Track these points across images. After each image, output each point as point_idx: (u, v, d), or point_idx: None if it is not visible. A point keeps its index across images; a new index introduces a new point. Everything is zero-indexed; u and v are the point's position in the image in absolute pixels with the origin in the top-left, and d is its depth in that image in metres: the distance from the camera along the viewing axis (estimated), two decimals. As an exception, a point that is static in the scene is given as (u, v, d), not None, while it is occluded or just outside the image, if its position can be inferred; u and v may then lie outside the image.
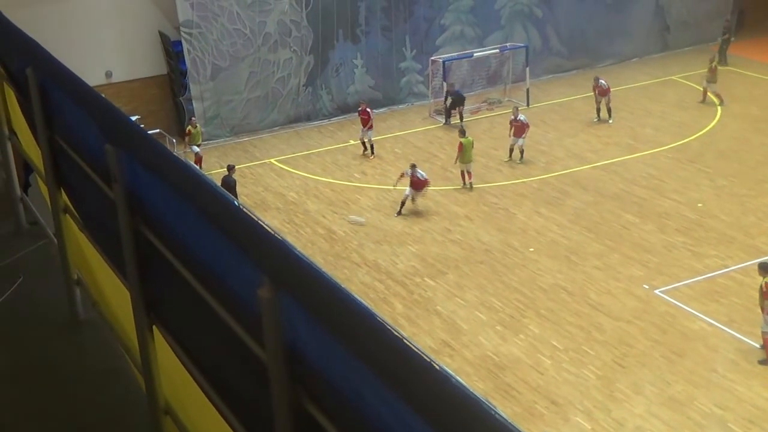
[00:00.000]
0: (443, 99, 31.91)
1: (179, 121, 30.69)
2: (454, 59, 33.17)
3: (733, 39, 37.30)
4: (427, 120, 32.37)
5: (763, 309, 17.88)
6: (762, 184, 25.77)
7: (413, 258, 22.85)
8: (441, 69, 32.57)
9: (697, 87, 33.62)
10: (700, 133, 29.93)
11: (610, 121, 30.78)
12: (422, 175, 25.01)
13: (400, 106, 33.59)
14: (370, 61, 33.06)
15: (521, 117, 28.29)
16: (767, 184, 25.73)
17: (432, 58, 33.24)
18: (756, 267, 18.86)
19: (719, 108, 31.68)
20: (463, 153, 26.58)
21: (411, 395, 2.08)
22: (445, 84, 31.90)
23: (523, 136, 28.09)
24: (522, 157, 28.21)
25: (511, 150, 28.34)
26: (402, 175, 25.41)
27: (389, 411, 2.17)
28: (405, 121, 32.29)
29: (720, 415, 16.45)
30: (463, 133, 27.02)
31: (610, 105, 30.84)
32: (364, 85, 33.09)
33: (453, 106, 31.45)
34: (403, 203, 25.06)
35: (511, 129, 28.27)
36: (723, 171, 26.88)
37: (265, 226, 2.60)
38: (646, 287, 20.81)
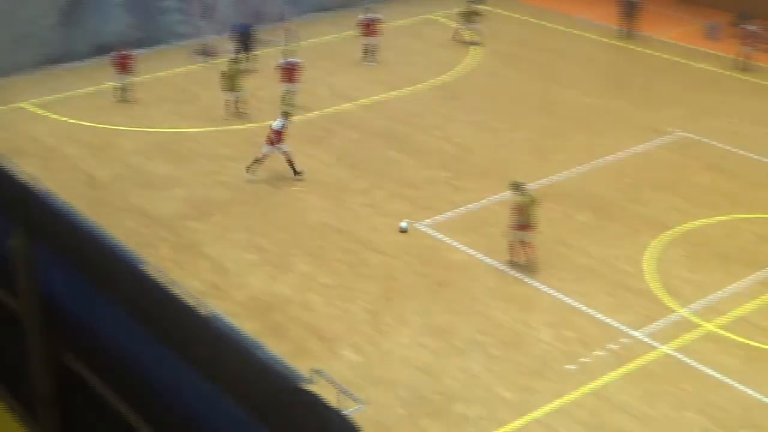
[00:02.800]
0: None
1: None
2: (216, -3, 32.56)
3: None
4: (189, 60, 31.67)
5: (511, 223, 19.28)
6: (516, 119, 26.97)
7: (179, 201, 22.50)
8: (202, 7, 31.89)
9: (456, 26, 34.59)
10: (458, 70, 30.88)
11: (373, 63, 31.10)
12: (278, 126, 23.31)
13: (159, 46, 32.61)
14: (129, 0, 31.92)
15: (293, 59, 27.43)
16: (521, 119, 26.95)
17: (193, -5, 32.50)
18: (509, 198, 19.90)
19: (476, 47, 32.73)
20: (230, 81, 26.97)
21: (175, 340, 2.08)
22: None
23: (296, 80, 27.36)
24: (294, 103, 27.23)
25: (284, 97, 27.36)
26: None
27: (153, 357, 2.17)
28: (165, 61, 31.45)
29: (481, 340, 17.30)
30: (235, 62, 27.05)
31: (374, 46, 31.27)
32: (122, 24, 31.88)
33: (243, 41, 30.85)
34: (260, 160, 23.33)
35: (281, 74, 27.39)
36: (480, 107, 27.91)
37: (14, 173, 2.50)
38: (410, 221, 21.37)
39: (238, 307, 18.17)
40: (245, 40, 30.85)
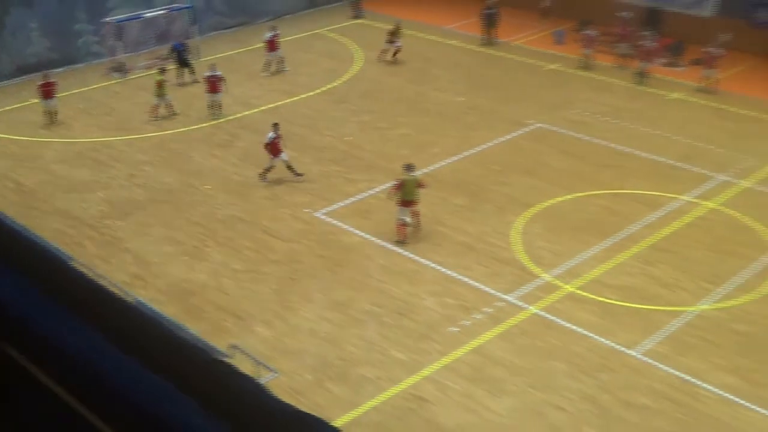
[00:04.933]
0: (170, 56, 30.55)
1: None
2: (126, 20, 31.83)
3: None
4: (105, 77, 30.94)
5: (396, 202, 19.56)
6: (397, 118, 27.11)
7: (101, 203, 21.98)
8: (114, 30, 31.18)
9: (341, 39, 34.62)
10: (345, 77, 30.87)
11: (264, 74, 30.83)
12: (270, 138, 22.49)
13: (78, 65, 31.82)
14: (45, 25, 30.97)
15: (216, 72, 26.95)
16: (401, 118, 27.11)
17: (104, 20, 31.70)
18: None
19: (360, 54, 32.74)
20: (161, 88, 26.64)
21: (104, 326, 2.05)
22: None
23: (220, 90, 26.93)
24: (220, 111, 27.12)
25: (211, 106, 27.07)
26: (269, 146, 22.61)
27: (85, 343, 2.13)
28: (83, 78, 30.66)
29: (377, 312, 17.38)
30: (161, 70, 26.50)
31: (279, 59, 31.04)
32: (42, 47, 31.00)
33: (180, 59, 30.10)
34: (268, 170, 22.72)
35: (207, 85, 27.01)
36: (366, 108, 27.97)
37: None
38: (309, 211, 21.36)
39: (160, 294, 17.87)
40: (182, 56, 30.26)
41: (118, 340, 2.08)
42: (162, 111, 27.07)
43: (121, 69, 30.88)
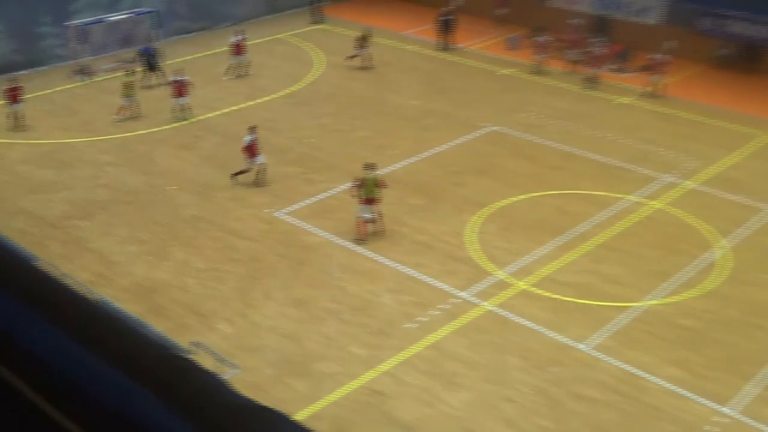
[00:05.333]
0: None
1: None
2: (90, 24, 31.44)
3: (325, 2, 38.53)
4: (69, 79, 30.53)
5: (358, 200, 19.62)
6: (356, 121, 27.11)
7: (65, 203, 21.69)
8: (77, 33, 30.78)
9: (301, 44, 34.53)
10: (305, 81, 30.79)
11: (226, 77, 30.68)
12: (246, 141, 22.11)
13: (42, 68, 31.35)
14: (10, 28, 30.51)
15: (184, 77, 26.67)
16: (360, 121, 27.11)
17: (68, 23, 31.28)
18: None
19: (321, 59, 32.69)
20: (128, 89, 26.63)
21: (69, 324, 2.04)
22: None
23: (186, 94, 26.67)
24: (191, 112, 26.91)
25: (176, 109, 26.72)
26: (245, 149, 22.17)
27: (50, 342, 2.12)
28: (47, 81, 30.21)
29: (335, 309, 17.38)
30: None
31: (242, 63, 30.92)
32: (6, 49, 30.53)
33: (148, 63, 29.79)
34: (242, 172, 22.39)
35: (173, 89, 26.66)
36: (326, 111, 27.92)
37: None
38: (270, 211, 21.29)
39: (123, 293, 17.69)
40: (150, 60, 29.96)
41: (81, 337, 2.07)
42: (129, 112, 26.82)
43: (84, 72, 30.49)
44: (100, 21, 31.78)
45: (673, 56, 29.80)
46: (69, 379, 2.08)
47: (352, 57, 31.69)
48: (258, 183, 22.38)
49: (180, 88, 26.61)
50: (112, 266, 18.88)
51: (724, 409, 14.72)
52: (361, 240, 19.75)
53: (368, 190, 19.63)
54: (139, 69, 29.14)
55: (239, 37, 30.86)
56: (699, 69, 32.02)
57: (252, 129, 22.33)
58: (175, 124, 26.44)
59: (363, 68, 31.49)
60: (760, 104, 28.81)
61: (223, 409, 1.46)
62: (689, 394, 15.08)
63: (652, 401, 14.89)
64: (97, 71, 30.78)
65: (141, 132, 26.20)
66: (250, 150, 22.15)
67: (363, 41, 31.69)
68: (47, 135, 25.92)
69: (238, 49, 30.79)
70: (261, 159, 22.32)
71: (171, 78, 27.06)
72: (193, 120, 26.93)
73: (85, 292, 2.07)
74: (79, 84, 30.18)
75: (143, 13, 33.10)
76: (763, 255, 19.65)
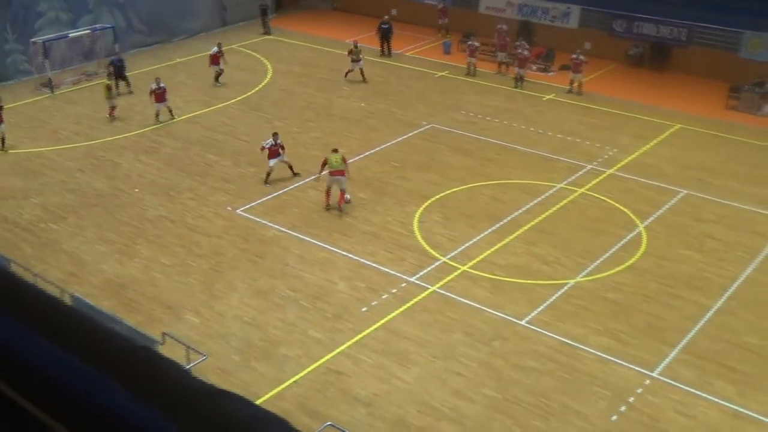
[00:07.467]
0: (108, 71, 29.32)
1: None
2: (53, 40, 30.65)
3: (272, 15, 38.17)
4: (35, 92, 29.73)
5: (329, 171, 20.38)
6: (307, 123, 26.86)
7: (36, 208, 21.10)
8: (42, 49, 29.99)
9: (253, 54, 34.12)
10: (258, 87, 30.43)
11: (219, 83, 30.33)
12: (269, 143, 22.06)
13: (8, 82, 30.46)
14: (-26, 45, 29.63)
15: (161, 84, 26.40)
16: (310, 123, 26.87)
17: (32, 39, 30.46)
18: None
19: (270, 67, 32.34)
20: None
21: (43, 322, 1.88)
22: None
23: (165, 99, 26.45)
24: (172, 115, 26.83)
25: (157, 114, 26.56)
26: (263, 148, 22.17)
27: (24, 340, 1.95)
28: (14, 94, 29.35)
29: (294, 297, 17.19)
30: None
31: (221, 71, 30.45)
32: (-28, 65, 29.65)
33: (117, 72, 29.13)
34: (268, 174, 22.19)
35: (151, 96, 26.33)
36: (278, 115, 27.62)
37: None
38: (230, 208, 21.00)
39: (95, 290, 17.27)
40: (119, 70, 29.29)
41: (56, 334, 1.92)
42: (117, 111, 26.66)
43: (49, 85, 29.74)
44: (62, 37, 31.04)
45: (590, 56, 30.15)
46: (37, 373, 1.93)
47: (348, 72, 30.92)
48: (267, 181, 22.22)
49: (160, 95, 26.38)
50: (84, 265, 18.41)
51: (652, 374, 14.90)
52: (330, 207, 20.51)
53: (334, 164, 20.26)
54: (108, 81, 28.35)
55: (217, 49, 30.59)
56: (613, 67, 32.41)
57: (275, 135, 22.30)
58: (140, 130, 25.89)
59: (360, 81, 30.53)
60: (669, 98, 29.27)
61: (185, 393, 1.35)
62: (619, 361, 15.22)
63: (586, 368, 15.00)
64: (61, 84, 30.08)
65: (105, 139, 25.62)
66: (270, 152, 22.02)
67: (354, 54, 30.68)
68: (16, 145, 25.14)
69: (214, 59, 30.45)
70: (273, 162, 22.07)
71: (153, 86, 26.52)
72: (154, 127, 26.43)
73: (59, 290, 1.89)
74: (44, 96, 29.42)
75: (102, 29, 32.41)
76: (677, 232, 19.95)
